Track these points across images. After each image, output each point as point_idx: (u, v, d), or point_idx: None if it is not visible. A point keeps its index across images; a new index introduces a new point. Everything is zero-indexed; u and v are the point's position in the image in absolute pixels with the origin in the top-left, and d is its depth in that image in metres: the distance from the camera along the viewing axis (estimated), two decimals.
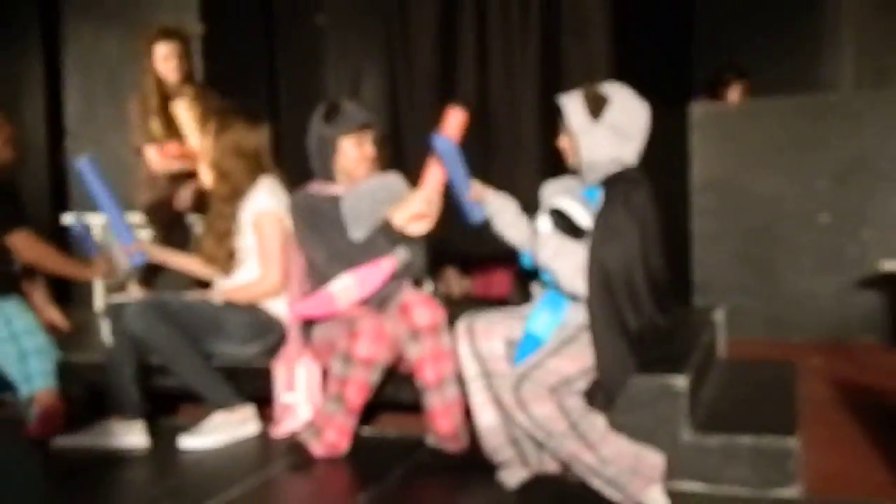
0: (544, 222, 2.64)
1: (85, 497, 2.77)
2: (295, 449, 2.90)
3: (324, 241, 3.08)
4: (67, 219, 3.57)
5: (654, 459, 2.53)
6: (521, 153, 5.10)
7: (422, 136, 5.10)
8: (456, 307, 3.25)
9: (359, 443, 3.01)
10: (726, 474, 2.63)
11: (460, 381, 2.84)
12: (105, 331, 3.20)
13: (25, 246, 3.49)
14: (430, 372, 2.86)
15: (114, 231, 3.49)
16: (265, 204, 3.34)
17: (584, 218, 2.58)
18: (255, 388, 3.27)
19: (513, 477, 2.67)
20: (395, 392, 3.10)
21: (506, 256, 3.01)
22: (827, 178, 4.81)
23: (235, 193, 3.37)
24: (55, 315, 3.99)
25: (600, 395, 2.60)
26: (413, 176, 3.77)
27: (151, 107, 4.33)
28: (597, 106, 2.65)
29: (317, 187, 3.21)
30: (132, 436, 3.12)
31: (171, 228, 4.34)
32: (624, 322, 2.58)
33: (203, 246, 3.46)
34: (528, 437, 2.62)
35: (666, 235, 2.73)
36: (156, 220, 4.39)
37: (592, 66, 4.93)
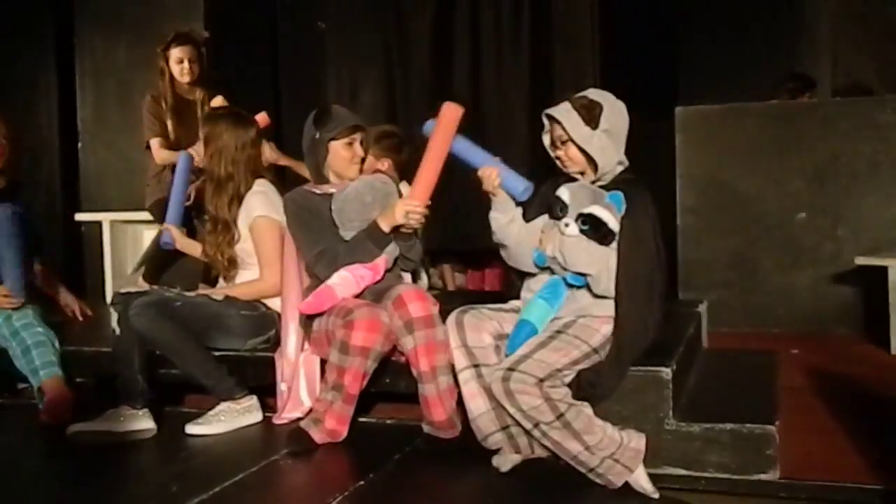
0: (573, 227, 2.61)
1: (96, 481, 2.75)
2: (296, 436, 2.88)
3: (313, 239, 3.08)
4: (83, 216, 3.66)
5: (636, 444, 2.52)
6: (513, 156, 5.09)
7: (418, 139, 5.10)
8: (450, 301, 3.25)
9: (358, 430, 2.99)
10: (708, 460, 2.62)
11: (453, 370, 2.83)
12: (114, 320, 3.18)
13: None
14: (424, 362, 2.84)
15: (168, 209, 3.72)
16: (261, 208, 3.32)
17: (614, 224, 2.59)
18: (258, 378, 3.26)
19: (506, 462, 2.65)
20: (392, 382, 3.09)
21: (499, 253, 2.99)
22: (804, 178, 4.81)
23: (232, 200, 3.35)
24: (77, 306, 4.11)
25: (601, 386, 2.61)
26: (409, 179, 3.76)
27: (165, 107, 4.36)
28: (591, 114, 2.65)
29: (311, 186, 3.21)
30: (140, 423, 3.10)
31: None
32: (645, 323, 2.64)
33: (203, 251, 3.45)
34: (518, 424, 2.60)
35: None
36: (160, 215, 4.37)
37: (582, 72, 4.93)
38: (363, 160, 3.19)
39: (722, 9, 5.32)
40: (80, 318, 4.09)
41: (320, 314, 3.00)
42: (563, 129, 2.68)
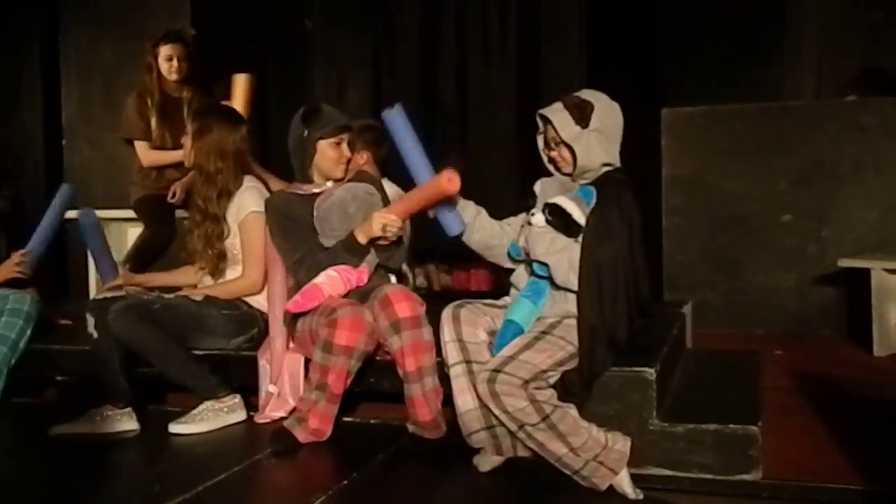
0: (539, 217, 2.63)
1: (80, 481, 2.72)
2: (280, 435, 2.87)
3: (293, 245, 3.07)
4: (78, 214, 3.61)
5: (621, 446, 2.52)
6: (500, 155, 5.10)
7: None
8: (436, 301, 3.24)
9: (342, 430, 2.99)
10: (691, 460, 2.62)
11: (440, 370, 2.83)
12: (91, 325, 3.15)
13: None
14: (410, 362, 2.83)
15: (97, 267, 3.74)
16: (252, 204, 3.31)
17: (579, 216, 2.58)
18: (242, 377, 3.25)
19: (486, 463, 2.65)
20: (377, 382, 3.07)
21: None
22: (789, 180, 4.84)
23: (221, 194, 3.33)
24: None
25: (577, 386, 2.59)
26: (389, 174, 3.76)
27: (150, 104, 4.34)
28: (583, 114, 2.65)
29: (295, 187, 3.20)
30: (123, 423, 3.09)
31: (156, 220, 4.30)
32: (609, 317, 2.59)
33: (191, 248, 3.42)
34: (502, 424, 2.60)
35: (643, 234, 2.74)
36: (146, 214, 4.36)
37: (568, 72, 4.94)
38: (349, 161, 3.18)
39: (708, 11, 5.34)
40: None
41: (304, 313, 2.99)
42: (554, 129, 2.68)
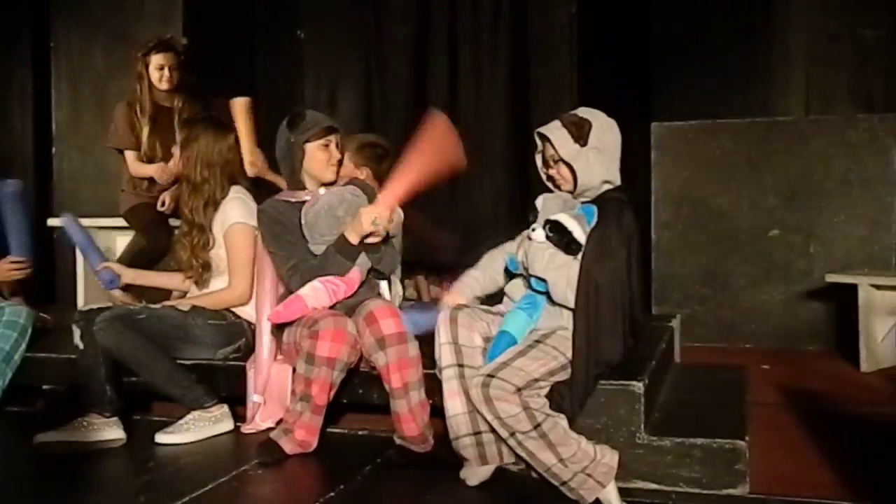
0: (539, 233, 2.63)
1: (64, 491, 2.71)
2: (266, 446, 2.86)
3: (286, 253, 3.06)
4: (60, 220, 3.61)
5: (609, 460, 2.52)
6: (490, 169, 5.10)
7: (394, 148, 5.09)
8: None
9: (329, 441, 2.98)
10: (679, 474, 2.62)
11: (426, 383, 2.83)
12: (76, 337, 3.13)
13: None
14: (396, 378, 2.82)
15: (83, 255, 3.71)
16: (236, 215, 3.30)
17: (580, 234, 2.58)
18: (230, 388, 3.24)
19: (474, 476, 2.64)
20: (365, 393, 3.07)
21: (475, 264, 3.00)
22: (777, 195, 4.87)
23: (207, 204, 3.33)
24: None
25: (571, 403, 2.59)
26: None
27: (140, 114, 4.33)
28: (581, 132, 2.65)
29: (286, 195, 3.19)
30: (109, 431, 3.06)
31: (153, 229, 4.29)
32: (604, 337, 2.59)
33: (177, 257, 3.41)
34: (489, 430, 2.60)
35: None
36: (140, 224, 4.34)
37: (559, 87, 4.95)
38: (340, 162, 3.17)
39: (698, 27, 5.36)
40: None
41: (290, 324, 2.98)
42: (553, 147, 2.69)
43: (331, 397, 2.88)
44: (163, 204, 4.27)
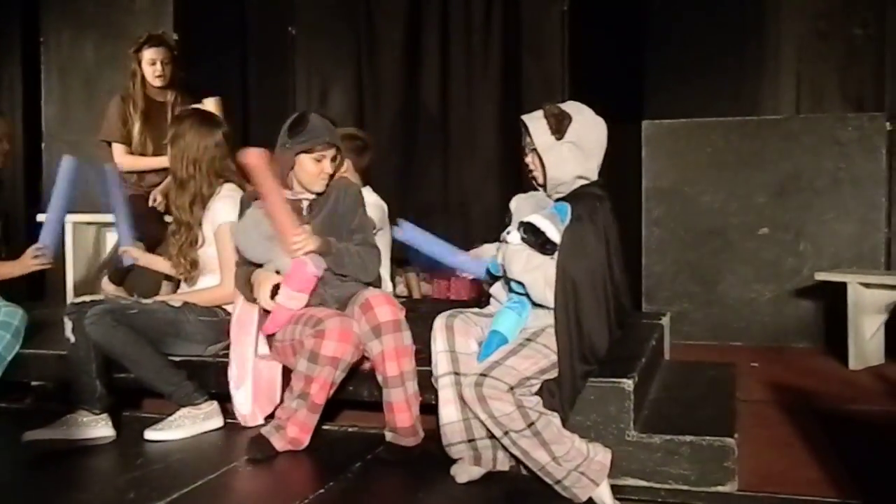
0: (514, 235, 2.62)
1: (53, 488, 2.70)
2: (257, 443, 2.85)
3: (239, 250, 3.10)
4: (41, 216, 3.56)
5: (602, 458, 2.53)
6: (481, 164, 5.10)
7: (386, 145, 5.09)
8: (416, 309, 3.23)
9: (319, 437, 2.97)
10: (668, 471, 2.63)
11: (426, 380, 2.82)
12: (67, 330, 3.12)
13: None
14: (392, 367, 2.81)
15: (119, 233, 3.61)
16: (224, 214, 3.27)
17: (553, 234, 2.56)
18: (219, 384, 3.22)
19: (463, 473, 2.64)
20: (355, 390, 3.06)
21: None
22: (767, 193, 4.88)
23: (194, 201, 3.31)
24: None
25: (560, 401, 2.59)
26: (370, 182, 3.76)
27: (133, 110, 4.31)
28: (560, 125, 2.64)
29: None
30: (99, 428, 3.05)
31: (147, 222, 4.24)
32: (588, 332, 2.59)
33: (167, 254, 3.40)
34: (484, 436, 2.60)
35: (621, 245, 2.74)
36: (136, 225, 4.30)
37: (550, 83, 4.96)
38: (333, 175, 3.12)
39: (689, 25, 5.37)
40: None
41: (287, 324, 2.97)
42: (530, 135, 2.69)
43: (329, 396, 2.88)
44: (154, 200, 4.25)
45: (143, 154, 4.34)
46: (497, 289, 2.83)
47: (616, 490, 2.56)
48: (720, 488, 2.57)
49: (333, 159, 3.08)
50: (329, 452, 2.93)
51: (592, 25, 5.03)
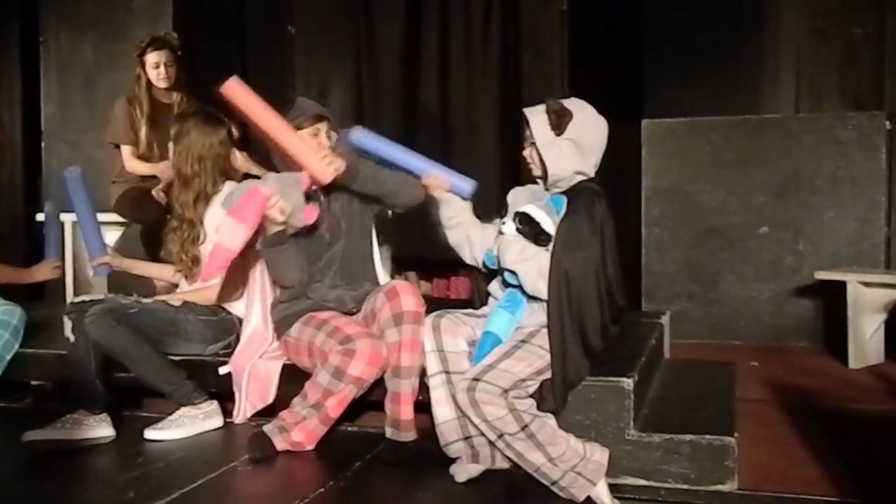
0: (510, 226, 2.63)
1: (53, 487, 2.70)
2: (258, 441, 2.85)
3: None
4: (44, 208, 3.56)
5: (599, 457, 2.53)
6: (480, 162, 5.09)
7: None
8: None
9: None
10: (668, 470, 2.63)
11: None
12: (67, 329, 3.12)
13: None
14: (406, 357, 2.79)
15: (85, 242, 3.53)
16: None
17: (548, 225, 2.57)
18: (219, 383, 3.23)
19: (462, 472, 2.64)
20: None
21: (464, 262, 2.99)
22: (766, 192, 4.88)
23: (198, 198, 3.30)
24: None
25: (553, 395, 2.59)
26: None
27: (140, 113, 4.31)
28: (560, 121, 2.64)
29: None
30: (98, 428, 3.05)
31: (146, 210, 4.23)
32: (581, 326, 2.59)
33: (167, 250, 3.40)
34: (480, 433, 2.60)
35: (620, 244, 2.75)
36: (130, 206, 4.30)
37: (550, 81, 4.95)
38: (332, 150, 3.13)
39: (689, 24, 5.37)
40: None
41: (303, 323, 2.96)
42: (530, 129, 2.69)
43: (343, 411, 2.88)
44: (157, 196, 4.24)
45: (149, 156, 4.34)
46: (495, 287, 2.83)
47: (615, 489, 2.56)
48: (720, 487, 2.57)
49: (327, 134, 3.07)
50: (328, 452, 2.93)
51: (592, 24, 5.02)
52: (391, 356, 2.83)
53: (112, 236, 4.78)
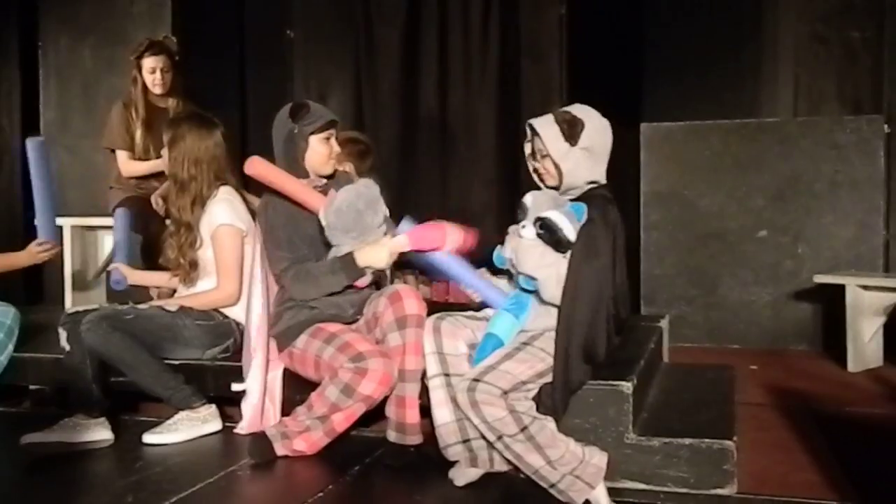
0: (529, 230, 2.62)
1: (51, 492, 2.70)
2: (259, 445, 2.84)
3: (279, 255, 2.99)
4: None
5: (598, 461, 2.52)
6: (479, 167, 5.10)
7: (384, 149, 5.09)
8: None
9: None
10: (667, 474, 2.62)
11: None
12: (62, 339, 3.11)
13: None
14: (411, 360, 2.78)
15: (38, 214, 3.48)
16: (223, 216, 3.27)
17: (570, 232, 2.56)
18: (218, 387, 3.22)
19: (462, 476, 2.64)
20: None
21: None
22: (765, 196, 4.88)
23: (195, 202, 3.30)
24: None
25: (554, 401, 2.58)
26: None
27: (135, 117, 4.31)
28: (573, 130, 2.63)
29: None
30: (97, 431, 3.04)
31: (147, 220, 4.23)
32: (587, 334, 2.58)
33: (165, 255, 3.39)
34: (479, 436, 2.59)
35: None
36: (137, 225, 4.29)
37: (548, 85, 4.96)
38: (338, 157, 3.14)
39: (687, 28, 5.38)
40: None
41: (310, 335, 2.93)
42: (542, 142, 2.68)
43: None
44: (156, 204, 4.24)
45: (145, 161, 4.34)
46: (497, 285, 2.83)
47: (615, 493, 2.56)
48: (719, 491, 2.57)
49: (336, 139, 3.11)
50: (328, 456, 2.92)
51: (591, 29, 5.04)
52: (395, 360, 2.82)
53: (109, 242, 4.78)
